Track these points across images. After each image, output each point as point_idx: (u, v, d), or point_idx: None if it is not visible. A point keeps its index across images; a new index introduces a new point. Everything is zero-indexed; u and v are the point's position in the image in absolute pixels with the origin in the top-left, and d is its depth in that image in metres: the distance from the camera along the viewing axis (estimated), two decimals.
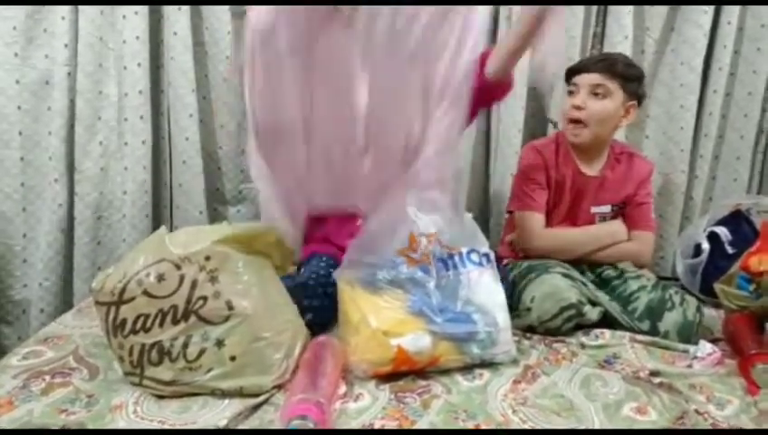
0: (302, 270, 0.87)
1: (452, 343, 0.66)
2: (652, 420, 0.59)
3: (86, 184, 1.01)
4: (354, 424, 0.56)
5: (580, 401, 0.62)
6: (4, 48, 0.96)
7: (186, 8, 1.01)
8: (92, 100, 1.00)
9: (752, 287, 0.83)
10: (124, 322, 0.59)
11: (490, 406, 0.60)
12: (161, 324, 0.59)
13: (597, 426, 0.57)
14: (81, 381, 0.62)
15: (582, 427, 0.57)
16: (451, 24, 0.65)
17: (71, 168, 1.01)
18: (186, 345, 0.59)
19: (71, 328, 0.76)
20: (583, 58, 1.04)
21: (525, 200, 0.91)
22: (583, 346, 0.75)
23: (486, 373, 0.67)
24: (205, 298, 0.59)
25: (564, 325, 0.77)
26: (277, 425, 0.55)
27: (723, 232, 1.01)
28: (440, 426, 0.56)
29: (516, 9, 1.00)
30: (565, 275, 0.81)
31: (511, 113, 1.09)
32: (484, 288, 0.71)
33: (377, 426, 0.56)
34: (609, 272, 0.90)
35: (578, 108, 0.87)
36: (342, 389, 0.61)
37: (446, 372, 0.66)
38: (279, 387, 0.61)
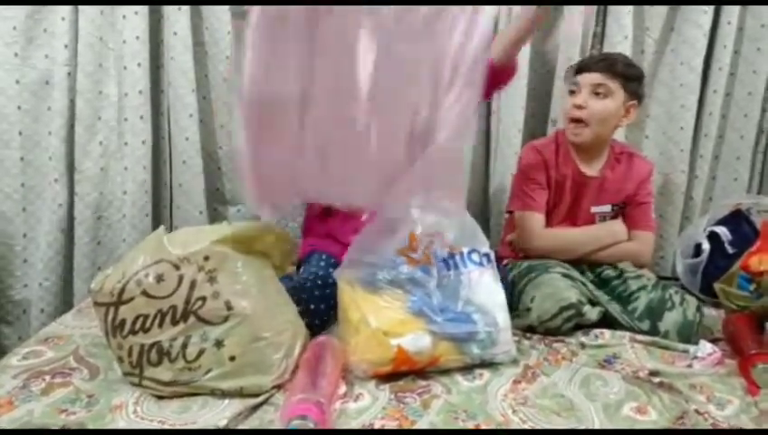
0: (302, 268, 0.87)
1: (452, 343, 0.66)
2: (652, 419, 0.59)
3: (86, 184, 1.01)
4: (354, 424, 0.56)
5: (580, 401, 0.62)
6: (4, 48, 0.96)
7: (186, 8, 1.01)
8: (92, 100, 1.00)
9: (752, 287, 0.84)
10: (123, 322, 0.59)
11: (490, 406, 0.60)
12: (160, 325, 0.59)
13: (597, 426, 0.57)
14: (81, 382, 0.62)
15: (582, 427, 0.57)
16: (462, 8, 0.60)
17: (71, 168, 1.01)
18: (185, 346, 0.59)
19: (71, 328, 0.76)
20: (583, 58, 1.04)
21: (525, 200, 0.91)
22: (583, 346, 0.75)
23: (486, 373, 0.66)
24: (204, 298, 0.59)
25: (564, 325, 0.77)
26: (277, 425, 0.55)
27: (723, 232, 1.01)
28: (440, 426, 0.56)
29: (516, 9, 1.00)
30: (565, 275, 0.81)
31: (511, 113, 1.09)
32: (485, 288, 0.71)
33: (377, 426, 0.56)
34: (609, 272, 0.90)
35: (579, 107, 0.87)
36: (342, 389, 0.61)
37: (446, 372, 0.66)
38: (279, 387, 0.61)
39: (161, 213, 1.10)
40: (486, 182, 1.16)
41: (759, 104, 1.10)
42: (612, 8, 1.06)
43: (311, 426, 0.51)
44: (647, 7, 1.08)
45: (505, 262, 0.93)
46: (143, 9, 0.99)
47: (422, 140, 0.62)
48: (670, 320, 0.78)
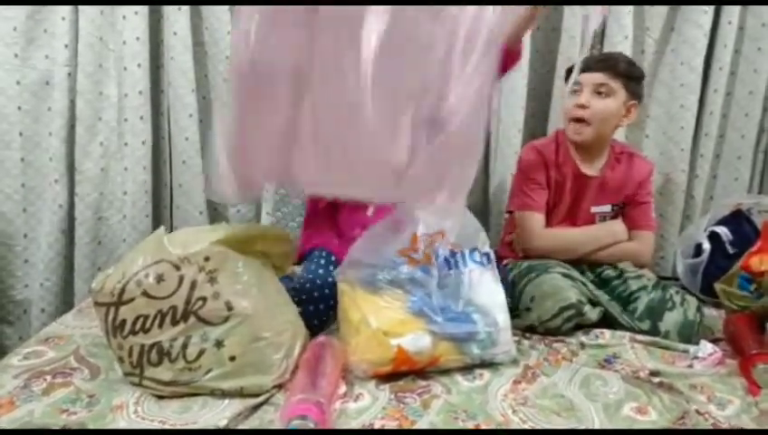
0: (302, 265, 0.85)
1: (452, 344, 0.66)
2: (652, 420, 0.58)
3: (86, 184, 1.01)
4: (354, 424, 0.56)
5: (580, 401, 0.62)
6: (4, 49, 0.96)
7: (186, 8, 1.01)
8: (93, 100, 1.00)
9: (753, 287, 0.83)
10: (123, 322, 0.59)
11: (490, 406, 0.60)
12: (161, 325, 0.59)
13: (597, 426, 0.57)
14: (81, 381, 0.62)
15: (583, 427, 0.57)
16: None
17: (71, 168, 1.01)
18: (185, 346, 0.59)
19: (71, 328, 0.76)
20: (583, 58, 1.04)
21: (525, 200, 0.91)
22: (583, 346, 0.75)
23: (486, 373, 0.66)
24: (204, 299, 0.59)
25: (564, 325, 0.77)
26: (277, 425, 0.55)
27: (723, 232, 1.01)
28: (440, 426, 0.56)
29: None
30: (565, 275, 0.81)
31: (511, 113, 1.08)
32: (485, 288, 0.71)
33: (377, 426, 0.56)
34: (609, 272, 0.90)
35: (582, 107, 0.87)
36: (342, 389, 0.61)
37: (446, 372, 0.66)
38: (279, 387, 0.61)
39: (161, 213, 1.10)
40: (486, 182, 1.16)
41: (760, 103, 1.10)
42: (612, 8, 1.06)
43: (311, 426, 0.51)
44: (647, 7, 1.07)
45: (505, 262, 0.92)
46: (143, 9, 0.99)
47: (433, 125, 0.55)
48: (671, 320, 0.78)
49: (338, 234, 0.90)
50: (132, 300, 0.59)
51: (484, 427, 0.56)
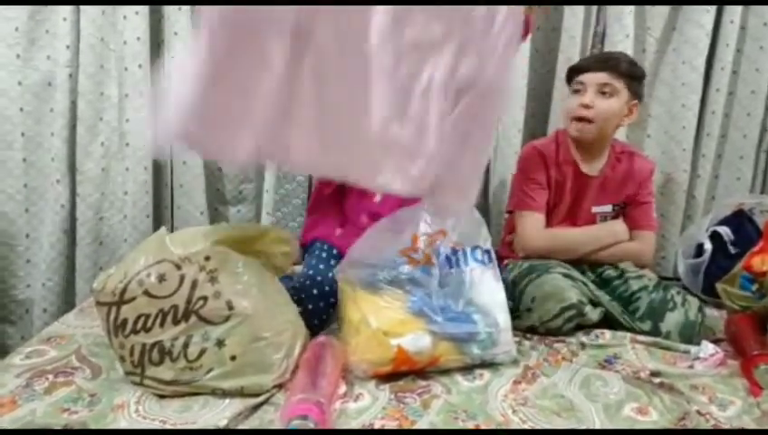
0: (304, 259, 0.84)
1: (452, 344, 0.66)
2: (653, 420, 0.58)
3: (88, 185, 1.02)
4: (354, 424, 0.56)
5: (580, 402, 0.62)
6: (6, 50, 0.96)
7: (186, 8, 1.01)
8: (94, 101, 1.00)
9: (755, 287, 0.83)
10: (125, 322, 0.60)
11: (490, 406, 0.60)
12: (162, 324, 0.59)
13: (598, 426, 0.57)
14: (83, 381, 0.62)
15: (583, 427, 0.57)
16: None
17: (72, 168, 1.02)
18: (186, 345, 0.59)
19: (73, 328, 0.76)
20: (583, 58, 1.04)
21: (525, 200, 0.91)
22: (583, 346, 0.75)
23: (486, 374, 0.66)
24: (205, 298, 0.60)
25: (565, 326, 0.77)
26: (277, 425, 0.55)
27: (725, 232, 1.00)
28: (440, 426, 0.56)
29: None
30: (566, 276, 0.81)
31: (511, 113, 1.08)
32: (486, 287, 0.71)
33: (377, 426, 0.56)
34: (610, 272, 0.90)
35: (586, 106, 0.86)
36: (342, 389, 0.62)
37: (447, 372, 0.66)
38: (279, 387, 0.61)
39: (162, 213, 1.10)
40: (486, 182, 1.16)
41: (762, 103, 1.09)
42: (614, 7, 1.06)
43: (311, 426, 0.51)
44: (648, 7, 1.07)
45: (506, 262, 0.92)
46: (144, 9, 0.99)
47: (457, 90, 0.48)
48: (672, 320, 0.77)
49: (343, 221, 0.87)
50: (134, 299, 0.59)
51: (484, 427, 0.56)
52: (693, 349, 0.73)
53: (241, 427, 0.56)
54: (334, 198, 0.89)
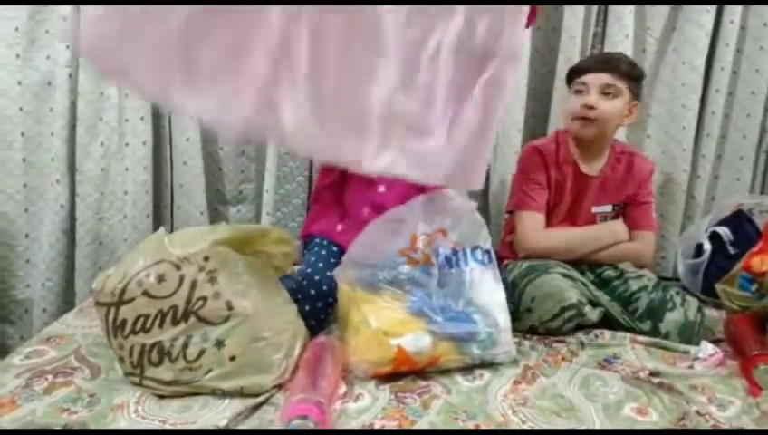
0: (304, 254, 0.82)
1: (452, 344, 0.66)
2: (653, 420, 0.58)
3: (87, 185, 1.02)
4: (354, 424, 0.56)
5: (579, 402, 0.62)
6: (6, 49, 0.96)
7: None
8: (94, 101, 1.00)
9: (754, 288, 0.83)
10: (124, 322, 0.60)
11: (490, 406, 0.60)
12: (161, 325, 0.59)
13: (598, 426, 0.57)
14: (82, 381, 0.62)
15: (583, 427, 0.57)
16: None
17: (72, 168, 1.02)
18: (186, 346, 0.59)
19: (73, 328, 0.76)
20: (582, 58, 1.04)
21: (525, 200, 0.91)
22: (583, 346, 0.75)
23: (486, 374, 0.67)
24: (204, 298, 0.60)
25: (565, 326, 0.77)
26: (277, 425, 0.55)
27: (725, 232, 1.00)
28: (440, 426, 0.56)
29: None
30: (565, 276, 0.81)
31: (511, 113, 1.08)
32: (486, 288, 0.71)
33: (377, 426, 0.56)
34: (610, 272, 0.90)
35: (590, 107, 0.86)
36: (342, 389, 0.62)
37: (446, 372, 0.66)
38: (279, 387, 0.61)
39: (162, 213, 1.10)
40: (486, 182, 1.16)
41: (762, 104, 1.09)
42: (613, 8, 1.06)
43: (311, 426, 0.51)
44: (648, 7, 1.07)
45: (505, 262, 0.92)
46: None
47: (458, 60, 0.43)
48: (671, 321, 0.77)
49: (344, 214, 0.84)
50: (133, 300, 0.59)
51: (484, 427, 0.56)
52: (692, 349, 0.73)
53: (241, 427, 0.56)
54: (336, 189, 0.86)
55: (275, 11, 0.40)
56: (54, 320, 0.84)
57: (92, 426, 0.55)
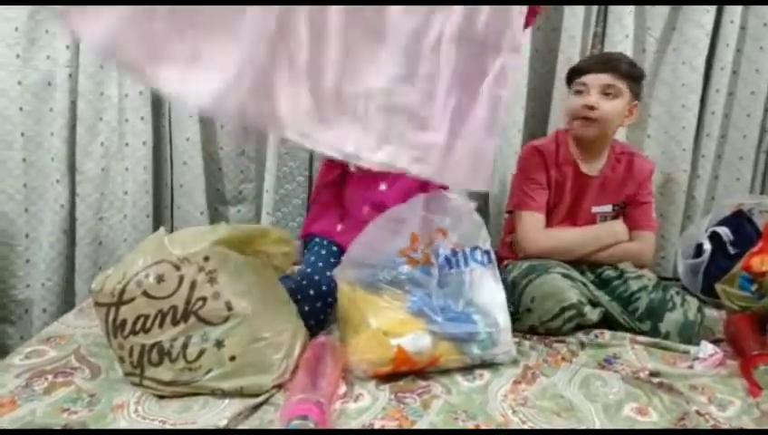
0: (304, 254, 0.82)
1: (452, 344, 0.66)
2: (653, 421, 0.58)
3: (87, 185, 1.02)
4: (354, 424, 0.56)
5: (579, 402, 0.62)
6: (6, 50, 0.96)
7: None
8: (94, 101, 1.00)
9: (754, 288, 0.83)
10: (124, 322, 0.60)
11: (490, 406, 0.60)
12: (161, 325, 0.59)
13: (598, 426, 0.57)
14: (82, 381, 0.62)
15: (583, 427, 0.57)
16: None
17: (72, 168, 1.02)
18: (185, 346, 0.59)
19: (72, 328, 0.76)
20: (582, 58, 1.04)
21: (525, 200, 0.91)
22: (583, 345, 0.75)
23: (486, 374, 0.67)
24: (204, 299, 0.60)
25: (565, 326, 0.77)
26: (277, 425, 0.55)
27: (725, 232, 1.00)
28: (440, 426, 0.56)
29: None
30: (565, 276, 0.81)
31: (511, 113, 1.08)
32: (486, 288, 0.71)
33: (377, 426, 0.56)
34: (610, 272, 0.90)
35: (591, 108, 0.86)
36: (342, 389, 0.62)
37: (446, 372, 0.66)
38: (279, 387, 0.61)
39: (162, 213, 1.10)
40: None
41: (762, 104, 1.09)
42: (613, 8, 1.06)
43: (311, 426, 0.52)
44: (648, 7, 1.07)
45: (505, 263, 0.92)
46: None
47: (460, 50, 0.41)
48: (671, 321, 0.77)
49: (344, 214, 0.83)
50: (133, 300, 0.59)
51: (484, 427, 0.56)
52: (692, 349, 0.73)
53: (241, 427, 0.56)
54: (336, 187, 0.85)
55: None
56: (54, 320, 0.84)
57: (92, 426, 0.55)
